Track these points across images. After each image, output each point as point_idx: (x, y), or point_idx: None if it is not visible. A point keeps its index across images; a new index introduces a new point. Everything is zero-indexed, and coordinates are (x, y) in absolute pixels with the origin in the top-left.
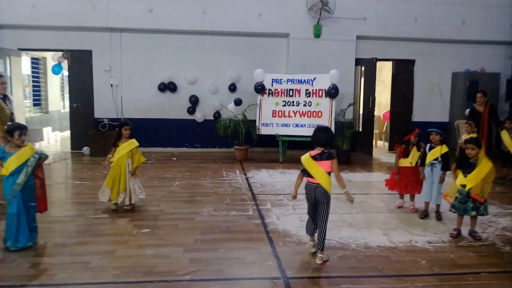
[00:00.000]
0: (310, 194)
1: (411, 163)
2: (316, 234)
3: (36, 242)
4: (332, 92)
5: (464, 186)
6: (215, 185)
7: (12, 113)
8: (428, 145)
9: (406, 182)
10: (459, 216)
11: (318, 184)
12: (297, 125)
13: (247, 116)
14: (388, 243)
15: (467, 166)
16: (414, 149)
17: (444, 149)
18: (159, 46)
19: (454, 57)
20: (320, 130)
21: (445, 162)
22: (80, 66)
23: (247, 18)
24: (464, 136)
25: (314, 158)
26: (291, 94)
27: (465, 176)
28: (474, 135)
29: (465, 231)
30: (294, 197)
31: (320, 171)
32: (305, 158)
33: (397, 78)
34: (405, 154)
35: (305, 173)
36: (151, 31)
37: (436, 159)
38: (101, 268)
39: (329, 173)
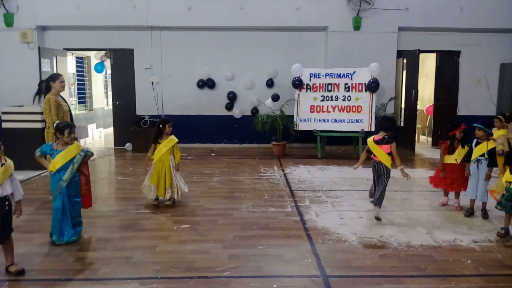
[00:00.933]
0: (374, 168)
1: (456, 160)
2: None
3: (80, 237)
4: (373, 86)
5: (511, 183)
6: (253, 181)
7: (70, 110)
8: (474, 141)
9: (452, 179)
10: (506, 214)
11: (380, 161)
12: (336, 120)
13: (284, 111)
14: (432, 242)
15: None
16: (460, 146)
17: (491, 144)
18: (198, 43)
19: (503, 47)
20: (384, 119)
21: (492, 158)
22: (122, 64)
23: (285, 12)
24: (494, 130)
25: (376, 142)
26: (329, 88)
27: None
28: (504, 131)
29: None
30: (356, 168)
31: (381, 152)
32: (370, 141)
33: (441, 71)
34: (450, 150)
35: (369, 152)
36: (189, 28)
37: (482, 155)
38: (142, 263)
39: (389, 153)
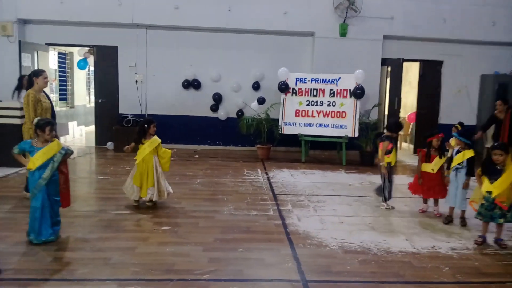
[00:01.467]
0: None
1: (432, 169)
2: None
3: (58, 236)
4: (358, 93)
5: (490, 192)
6: (236, 184)
7: (53, 107)
8: (455, 149)
9: (428, 186)
10: (484, 223)
11: None
12: (320, 125)
13: (270, 115)
14: (411, 248)
15: (493, 172)
16: (437, 156)
17: (468, 154)
18: (184, 43)
19: (483, 59)
20: (391, 119)
21: (470, 167)
22: (106, 61)
23: (272, 16)
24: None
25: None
26: (315, 93)
27: (491, 183)
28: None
29: (490, 238)
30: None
31: (380, 148)
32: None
33: (424, 79)
34: (427, 158)
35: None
36: (176, 28)
37: (461, 163)
38: (121, 264)
39: (388, 151)
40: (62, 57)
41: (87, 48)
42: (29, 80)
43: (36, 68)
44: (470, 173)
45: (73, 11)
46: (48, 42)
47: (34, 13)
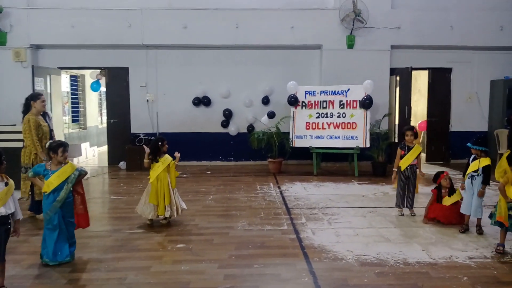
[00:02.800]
0: None
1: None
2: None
3: (74, 257)
4: (366, 103)
5: None
6: (249, 199)
7: (51, 130)
8: (472, 156)
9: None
10: (502, 231)
11: None
12: (331, 137)
13: (280, 128)
14: (428, 258)
15: None
16: (447, 195)
17: (484, 162)
18: (194, 61)
19: (492, 64)
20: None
21: (485, 176)
22: (117, 82)
23: (280, 31)
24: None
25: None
26: (324, 105)
27: None
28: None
29: (508, 246)
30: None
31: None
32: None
33: (434, 87)
34: (439, 198)
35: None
36: (185, 47)
37: (476, 171)
38: (136, 284)
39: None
40: (74, 79)
41: (99, 70)
42: (26, 104)
43: (49, 91)
44: (486, 182)
45: (84, 34)
46: (60, 65)
47: (46, 38)
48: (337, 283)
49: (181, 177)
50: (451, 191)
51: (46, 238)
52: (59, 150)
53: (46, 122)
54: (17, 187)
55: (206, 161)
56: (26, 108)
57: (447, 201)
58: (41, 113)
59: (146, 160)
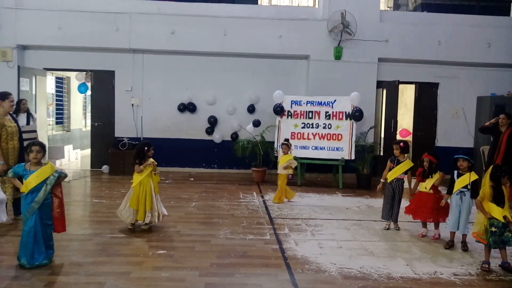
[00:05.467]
0: None
1: (425, 188)
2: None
3: (52, 260)
4: (357, 115)
5: (495, 217)
6: (232, 207)
7: (34, 131)
8: (455, 172)
9: (427, 208)
10: (486, 248)
11: None
12: (316, 148)
13: (265, 137)
14: (412, 274)
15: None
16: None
17: (473, 176)
18: (180, 67)
19: (480, 80)
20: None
21: (474, 190)
22: (102, 85)
23: (267, 40)
24: (283, 156)
25: None
26: (310, 116)
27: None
28: (289, 156)
29: (493, 263)
30: None
31: None
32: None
33: (420, 102)
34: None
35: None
36: (172, 52)
37: (466, 186)
38: None
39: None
40: (59, 81)
41: (85, 73)
42: None
43: (34, 92)
44: (475, 196)
45: (71, 36)
46: (46, 67)
47: (33, 39)
48: None
49: (163, 183)
50: (430, 172)
51: (23, 240)
52: (32, 148)
53: (29, 123)
54: None
55: (190, 167)
56: None
57: (429, 182)
58: (9, 113)
59: (141, 167)
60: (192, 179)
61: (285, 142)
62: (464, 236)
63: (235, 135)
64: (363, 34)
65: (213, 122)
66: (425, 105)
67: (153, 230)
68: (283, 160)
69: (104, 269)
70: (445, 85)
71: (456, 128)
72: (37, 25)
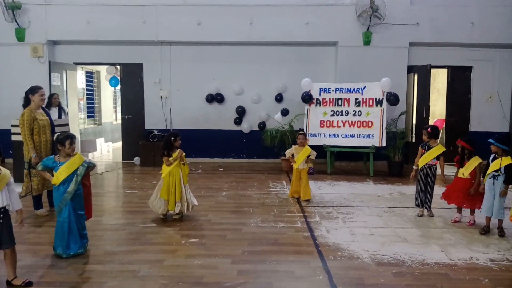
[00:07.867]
0: None
1: (463, 174)
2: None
3: (87, 250)
4: (392, 99)
5: None
6: (262, 196)
7: (66, 124)
8: (491, 156)
9: (463, 194)
10: None
11: None
12: (346, 135)
13: (294, 126)
14: (447, 260)
15: None
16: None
17: (506, 161)
18: (207, 58)
19: None
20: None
21: (508, 175)
22: (131, 79)
23: (294, 27)
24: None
25: None
26: (339, 103)
27: None
28: (308, 149)
29: None
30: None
31: None
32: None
33: (453, 86)
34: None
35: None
36: (199, 43)
37: (497, 170)
38: (149, 277)
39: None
40: (89, 75)
41: (118, 67)
42: (25, 98)
43: (65, 87)
44: (508, 181)
45: (99, 31)
46: (76, 61)
47: (63, 34)
48: (353, 282)
49: (193, 173)
50: (463, 158)
51: (58, 231)
52: (66, 142)
53: (61, 117)
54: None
55: (219, 158)
56: (26, 102)
57: (467, 168)
58: (41, 107)
59: (170, 160)
60: (221, 169)
61: (302, 133)
62: (500, 221)
63: (262, 125)
64: (393, 18)
65: (241, 112)
66: (458, 90)
67: (184, 220)
68: (302, 154)
69: (138, 258)
70: (479, 69)
71: (490, 113)
72: (66, 20)
